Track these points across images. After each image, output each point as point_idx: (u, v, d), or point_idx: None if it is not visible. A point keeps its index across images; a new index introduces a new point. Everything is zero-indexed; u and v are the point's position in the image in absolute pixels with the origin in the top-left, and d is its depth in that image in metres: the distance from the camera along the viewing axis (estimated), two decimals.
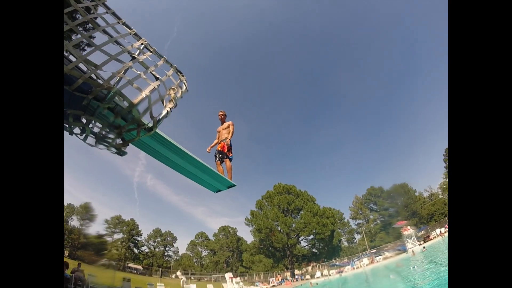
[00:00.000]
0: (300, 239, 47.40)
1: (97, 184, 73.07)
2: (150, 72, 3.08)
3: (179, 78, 3.72)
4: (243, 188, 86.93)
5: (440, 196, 50.30)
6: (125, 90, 2.61)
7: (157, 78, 3.12)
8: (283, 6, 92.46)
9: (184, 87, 3.71)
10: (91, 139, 3.29)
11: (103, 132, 2.99)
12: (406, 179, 60.03)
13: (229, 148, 6.28)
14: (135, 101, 2.65)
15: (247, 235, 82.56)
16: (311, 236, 46.81)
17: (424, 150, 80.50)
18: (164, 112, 3.10)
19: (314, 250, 48.76)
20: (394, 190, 53.93)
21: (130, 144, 3.69)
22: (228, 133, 6.41)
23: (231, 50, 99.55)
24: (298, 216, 46.24)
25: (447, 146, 47.95)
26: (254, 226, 46.83)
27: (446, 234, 26.83)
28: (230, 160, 6.18)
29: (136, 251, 53.91)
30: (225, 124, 6.63)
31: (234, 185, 5.57)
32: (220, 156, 6.24)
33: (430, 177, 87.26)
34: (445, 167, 49.86)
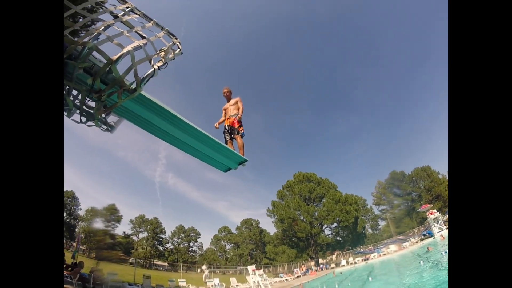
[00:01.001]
0: (323, 227, 46.88)
1: (120, 187, 75.02)
2: (136, 32, 2.78)
3: (172, 41, 3.45)
4: (263, 181, 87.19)
5: None
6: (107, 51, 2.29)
7: (144, 37, 2.84)
8: None
9: (178, 49, 3.45)
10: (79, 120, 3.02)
11: (84, 101, 2.72)
12: (428, 162, 58.41)
13: (240, 124, 5.73)
14: (114, 57, 2.38)
15: (269, 226, 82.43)
16: (335, 224, 46.29)
17: (445, 132, 77.04)
18: (151, 70, 2.84)
19: (338, 238, 48.16)
20: (416, 173, 52.59)
21: (128, 123, 3.62)
22: (238, 109, 5.84)
23: (239, 46, 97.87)
24: (321, 204, 45.67)
25: None
26: (276, 217, 46.61)
27: None
28: (242, 136, 5.63)
29: (161, 248, 55.15)
30: (232, 101, 6.07)
31: (246, 160, 5.07)
32: (230, 132, 5.73)
33: None
34: None
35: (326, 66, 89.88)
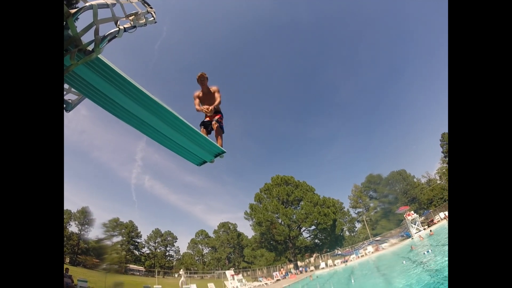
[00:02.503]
0: (301, 230, 46.65)
1: (94, 189, 72.33)
2: None
3: (146, 10, 3.24)
4: (241, 184, 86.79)
5: (438, 182, 50.47)
6: None
7: None
8: (272, 1, 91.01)
9: (152, 18, 3.26)
10: None
11: None
12: (404, 166, 60.55)
13: (218, 112, 4.91)
14: (72, 10, 2.16)
15: (247, 230, 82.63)
16: (313, 227, 46.18)
17: (420, 136, 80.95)
18: (114, 30, 2.55)
19: (316, 240, 48.02)
20: (392, 177, 54.18)
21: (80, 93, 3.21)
22: (214, 101, 4.81)
23: (221, 47, 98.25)
24: (299, 207, 45.35)
25: (443, 132, 49.00)
26: (254, 220, 45.82)
27: None
28: (221, 127, 4.78)
29: (137, 253, 53.68)
30: (208, 90, 4.90)
31: (224, 152, 4.33)
32: (205, 126, 4.84)
33: (427, 163, 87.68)
34: (442, 152, 50.11)
35: (306, 71, 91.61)
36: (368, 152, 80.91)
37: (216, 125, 4.72)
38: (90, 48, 2.39)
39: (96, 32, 2.37)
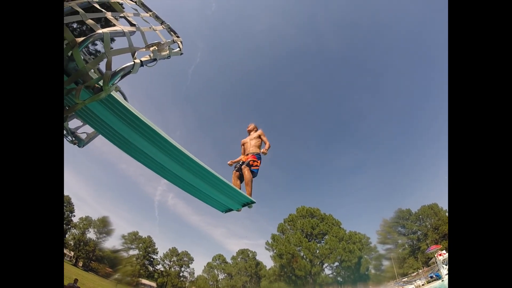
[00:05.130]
0: (324, 266, 44.78)
1: (118, 199, 73.33)
2: (125, 18, 2.46)
3: (172, 39, 3.01)
4: (264, 211, 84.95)
5: None
6: None
7: (133, 25, 2.43)
8: (299, 30, 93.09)
9: (178, 49, 3.01)
10: None
11: None
12: (434, 199, 57.12)
13: (257, 158, 4.70)
14: (79, 39, 1.89)
15: (267, 259, 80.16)
16: (336, 263, 44.11)
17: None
18: (128, 64, 2.18)
19: (339, 278, 45.55)
20: (422, 211, 51.22)
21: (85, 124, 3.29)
22: (258, 145, 4.95)
23: (250, 75, 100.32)
24: (323, 241, 44.18)
25: None
26: (275, 251, 45.05)
27: None
28: (254, 173, 4.51)
29: (151, 268, 53.35)
30: (254, 134, 5.16)
31: (253, 202, 4.01)
32: (240, 166, 4.63)
33: None
34: None
35: (332, 99, 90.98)
36: (396, 183, 78.09)
37: (247, 169, 4.45)
38: (100, 83, 2.08)
39: (108, 66, 2.06)
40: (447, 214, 50.41)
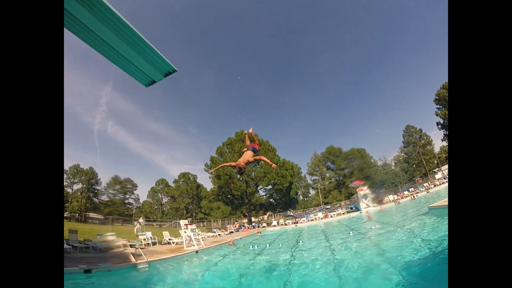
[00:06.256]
0: (258, 188, 48.75)
1: None
2: None
3: None
4: (205, 137, 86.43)
5: (392, 167, 55.64)
6: None
7: None
8: None
9: None
10: None
11: None
12: (365, 145, 63.68)
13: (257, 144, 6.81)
14: None
15: (207, 182, 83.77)
16: (270, 186, 48.40)
17: (386, 123, 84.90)
18: None
19: (271, 200, 50.68)
20: (352, 152, 56.97)
21: None
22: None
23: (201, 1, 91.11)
24: (258, 165, 46.73)
25: (407, 124, 52.76)
26: (213, 173, 46.76)
27: (399, 200, 29.26)
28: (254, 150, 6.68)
29: (96, 200, 52.82)
30: (254, 157, 6.76)
31: (175, 71, 4.06)
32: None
33: (386, 149, 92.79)
34: (403, 142, 54.84)
35: (287, 35, 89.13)
36: (334, 125, 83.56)
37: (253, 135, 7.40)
38: None
39: None
40: (372, 160, 57.74)
